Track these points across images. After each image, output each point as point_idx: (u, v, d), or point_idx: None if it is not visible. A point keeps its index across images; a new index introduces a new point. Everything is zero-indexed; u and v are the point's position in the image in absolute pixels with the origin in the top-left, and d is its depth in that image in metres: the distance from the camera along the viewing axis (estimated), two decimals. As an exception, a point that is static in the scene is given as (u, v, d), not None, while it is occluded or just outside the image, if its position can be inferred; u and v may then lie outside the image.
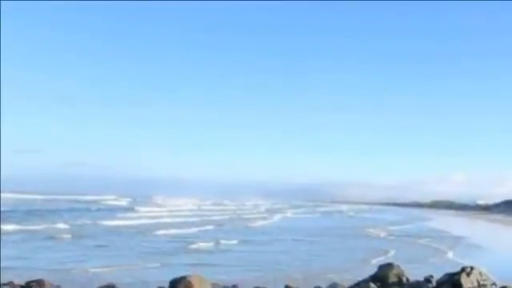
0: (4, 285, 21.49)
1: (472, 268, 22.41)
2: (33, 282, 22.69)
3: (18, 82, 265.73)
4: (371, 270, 25.49)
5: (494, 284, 22.72)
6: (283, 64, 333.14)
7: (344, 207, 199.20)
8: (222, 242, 46.76)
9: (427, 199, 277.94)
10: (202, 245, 44.08)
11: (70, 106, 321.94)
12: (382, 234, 64.53)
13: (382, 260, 32.33)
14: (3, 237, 42.21)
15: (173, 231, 56.57)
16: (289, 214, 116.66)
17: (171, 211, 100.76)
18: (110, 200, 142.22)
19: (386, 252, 41.72)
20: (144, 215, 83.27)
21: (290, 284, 22.59)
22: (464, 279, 21.41)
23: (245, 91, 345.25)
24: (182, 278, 21.21)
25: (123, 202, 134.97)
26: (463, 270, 22.17)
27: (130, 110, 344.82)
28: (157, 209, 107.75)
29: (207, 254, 38.67)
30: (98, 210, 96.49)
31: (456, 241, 56.13)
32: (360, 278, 24.36)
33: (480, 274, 22.57)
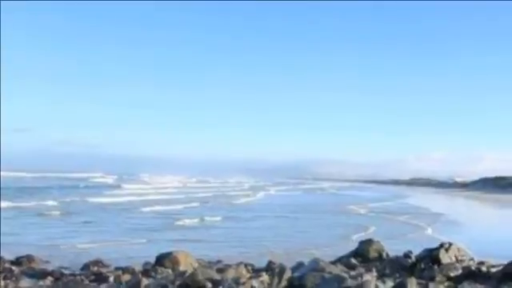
0: (-5, 260, 21.46)
1: (450, 244, 22.43)
2: (23, 257, 22.65)
3: (8, 63, 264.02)
4: (352, 246, 25.58)
5: (471, 259, 22.76)
6: (265, 44, 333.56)
7: (326, 184, 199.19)
8: (207, 218, 46.74)
9: (406, 177, 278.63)
10: (187, 221, 44.08)
11: (60, 86, 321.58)
12: (363, 211, 64.58)
13: (362, 236, 32.37)
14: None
15: (158, 208, 56.47)
16: (272, 192, 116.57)
17: (157, 188, 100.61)
18: (98, 178, 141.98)
19: (367, 228, 41.76)
20: (130, 192, 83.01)
21: (273, 259, 22.57)
22: (442, 255, 21.42)
23: (230, 72, 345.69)
24: (168, 254, 21.20)
25: (110, 180, 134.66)
26: (442, 245, 22.18)
27: (117, 90, 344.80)
28: (143, 186, 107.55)
29: (192, 230, 38.66)
30: (86, 187, 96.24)
31: (434, 217, 56.25)
32: (341, 254, 24.40)
33: (458, 249, 22.60)
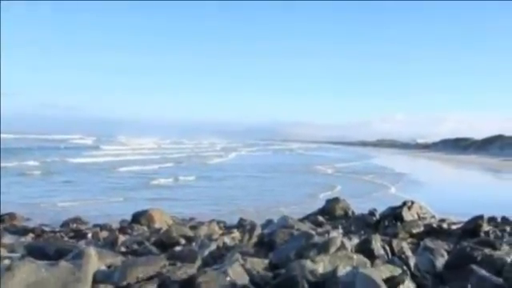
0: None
1: (413, 202, 22.61)
2: (5, 214, 22.55)
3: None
4: (319, 204, 25.67)
5: (433, 217, 22.98)
6: (237, 10, 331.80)
7: (294, 145, 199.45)
8: (181, 178, 46.78)
9: (372, 138, 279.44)
10: (162, 181, 44.09)
11: (42, 52, 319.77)
12: (330, 171, 64.81)
13: (329, 195, 32.46)
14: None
15: (135, 168, 56.42)
16: (243, 152, 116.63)
17: (133, 149, 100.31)
18: (77, 139, 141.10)
19: (333, 187, 41.93)
20: (108, 153, 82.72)
21: (244, 217, 22.67)
22: (405, 212, 21.58)
23: (204, 37, 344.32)
24: (144, 212, 21.22)
25: (89, 141, 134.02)
26: (405, 203, 22.35)
27: (97, 55, 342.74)
28: (120, 147, 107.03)
29: (167, 189, 38.65)
30: (66, 148, 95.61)
31: (398, 177, 56.58)
32: (309, 211, 24.52)
33: (420, 207, 22.79)
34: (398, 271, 10.34)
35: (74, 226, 20.81)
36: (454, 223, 21.71)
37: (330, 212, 23.98)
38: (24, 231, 18.98)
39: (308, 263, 9.35)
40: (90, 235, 17.75)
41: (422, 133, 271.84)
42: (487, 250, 11.60)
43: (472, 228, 19.33)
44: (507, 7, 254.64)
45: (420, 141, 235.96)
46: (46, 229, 20.22)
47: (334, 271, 8.91)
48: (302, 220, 19.98)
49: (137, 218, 20.98)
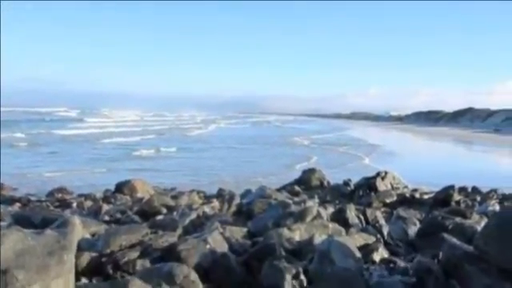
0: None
1: (386, 172, 22.74)
2: (-8, 185, 22.48)
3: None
4: (296, 175, 25.77)
5: (405, 187, 23.12)
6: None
7: (272, 118, 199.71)
8: (162, 149, 46.86)
9: (346, 111, 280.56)
10: (144, 152, 44.12)
11: (28, 26, 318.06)
12: (306, 142, 64.97)
13: (305, 165, 32.57)
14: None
15: (118, 140, 56.44)
16: (222, 125, 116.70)
17: (116, 122, 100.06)
18: (62, 112, 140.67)
19: (309, 158, 42.07)
20: (92, 125, 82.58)
21: (223, 187, 22.67)
22: (379, 182, 21.70)
23: (184, 15, 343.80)
24: (127, 182, 21.20)
25: (73, 114, 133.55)
26: (378, 174, 22.48)
27: (81, 29, 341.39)
28: (104, 120, 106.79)
29: (149, 160, 38.68)
30: (51, 120, 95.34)
31: (372, 148, 56.80)
32: (286, 182, 24.58)
33: (393, 177, 22.92)
34: (371, 239, 10.40)
35: (59, 195, 20.75)
36: (426, 193, 21.86)
37: (306, 182, 24.06)
38: (11, 201, 18.91)
39: (285, 231, 9.38)
40: (74, 205, 17.71)
41: (395, 106, 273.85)
42: (458, 219, 11.69)
43: (443, 197, 19.46)
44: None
45: (393, 113, 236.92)
46: (33, 198, 20.17)
47: (310, 239, 8.95)
48: (279, 190, 20.01)
49: (120, 187, 20.96)
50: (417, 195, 21.04)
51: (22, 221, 9.85)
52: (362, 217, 12.41)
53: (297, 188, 22.45)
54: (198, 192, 20.70)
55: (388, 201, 19.71)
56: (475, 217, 13.09)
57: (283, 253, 8.22)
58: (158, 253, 7.95)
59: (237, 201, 16.03)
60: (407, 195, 20.81)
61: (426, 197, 20.90)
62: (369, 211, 12.91)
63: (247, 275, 7.83)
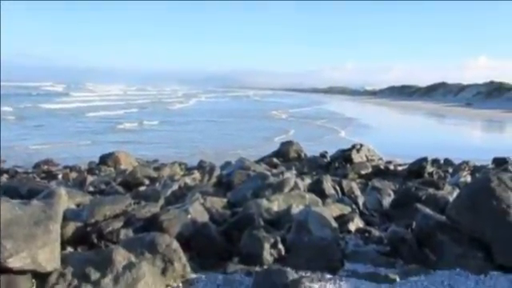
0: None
1: (361, 145, 22.81)
2: (-19, 157, 22.36)
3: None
4: (274, 147, 25.76)
5: (380, 159, 23.22)
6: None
7: (251, 92, 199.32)
8: (145, 122, 46.78)
9: (323, 85, 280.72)
10: (128, 125, 44.05)
11: (17, 5, 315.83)
12: (284, 116, 65.02)
13: (283, 138, 32.63)
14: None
15: (102, 113, 56.27)
16: (203, 99, 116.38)
17: (101, 96, 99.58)
18: (48, 86, 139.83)
19: (287, 131, 42.13)
20: (77, 99, 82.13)
21: (204, 159, 22.66)
22: (354, 155, 21.77)
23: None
24: (111, 154, 21.16)
25: (59, 88, 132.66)
26: (354, 146, 22.55)
27: (68, 7, 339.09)
28: (88, 94, 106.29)
29: (132, 133, 38.61)
30: (38, 95, 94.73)
31: (348, 121, 56.95)
32: (265, 154, 24.59)
33: (368, 150, 23.01)
34: (347, 209, 10.45)
35: (46, 167, 20.70)
36: (400, 165, 21.98)
37: (285, 154, 24.08)
38: (-1, 172, 18.85)
39: (264, 202, 9.40)
40: (60, 176, 17.68)
41: (371, 80, 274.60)
42: (431, 190, 11.75)
43: (417, 169, 19.58)
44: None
45: (368, 88, 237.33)
46: (20, 170, 20.10)
47: (288, 209, 8.97)
48: (258, 162, 20.03)
49: (104, 159, 20.92)
50: (391, 167, 21.14)
51: (10, 192, 9.82)
52: (338, 188, 12.45)
53: (275, 160, 22.48)
54: (180, 164, 20.69)
55: (363, 172, 19.80)
56: (447, 188, 13.17)
57: (262, 223, 8.24)
58: (141, 223, 7.96)
59: (217, 172, 16.04)
60: (382, 167, 20.89)
61: (399, 168, 21.01)
62: (345, 182, 12.95)
63: (227, 244, 7.85)
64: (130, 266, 5.96)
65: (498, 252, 7.16)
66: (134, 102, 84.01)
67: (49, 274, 5.65)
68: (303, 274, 6.75)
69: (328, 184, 12.11)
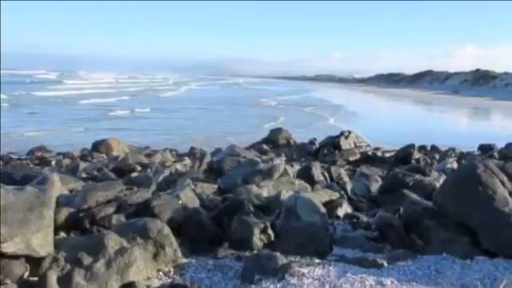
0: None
1: (350, 132, 22.82)
2: (-25, 144, 22.26)
3: None
4: (264, 134, 25.77)
5: (368, 145, 23.24)
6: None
7: (241, 80, 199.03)
8: (137, 110, 46.76)
9: (311, 73, 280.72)
10: (120, 112, 44.09)
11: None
12: (273, 103, 65.08)
13: (272, 125, 32.64)
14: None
15: (94, 101, 56.24)
16: (193, 87, 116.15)
17: (93, 84, 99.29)
18: (42, 74, 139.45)
19: (276, 118, 42.21)
20: (70, 87, 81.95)
21: (195, 145, 22.65)
22: (343, 141, 21.78)
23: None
24: (103, 141, 21.13)
25: (53, 76, 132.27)
26: (342, 133, 22.56)
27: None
28: (81, 82, 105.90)
29: (124, 120, 38.62)
30: (32, 82, 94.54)
31: (336, 109, 57.04)
32: (254, 141, 24.59)
33: (356, 136, 23.02)
34: (336, 195, 10.45)
35: (39, 153, 20.65)
36: (388, 151, 22.02)
37: (274, 141, 24.09)
38: (-7, 159, 18.80)
39: (254, 188, 9.40)
40: (53, 162, 17.64)
41: (358, 69, 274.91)
42: (418, 176, 11.78)
43: (404, 156, 19.62)
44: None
45: (356, 76, 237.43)
46: (14, 157, 20.06)
47: (278, 195, 8.98)
48: (248, 148, 20.03)
49: (96, 146, 20.88)
50: (379, 153, 21.17)
51: (4, 178, 9.79)
52: (326, 174, 12.46)
53: (265, 147, 22.49)
54: (171, 150, 20.72)
55: (351, 159, 19.83)
56: (434, 174, 13.21)
57: (252, 208, 8.24)
58: (133, 208, 7.95)
59: (208, 159, 16.04)
60: (370, 153, 20.93)
61: (387, 155, 21.05)
62: (333, 169, 12.96)
63: (218, 230, 7.85)
64: (122, 251, 5.96)
65: (484, 237, 7.19)
66: (125, 89, 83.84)
67: (42, 258, 5.65)
68: (292, 259, 6.76)
69: (317, 170, 12.12)
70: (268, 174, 11.01)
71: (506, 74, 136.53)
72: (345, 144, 21.78)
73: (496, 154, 20.42)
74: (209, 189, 10.11)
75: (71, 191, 8.92)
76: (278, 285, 5.89)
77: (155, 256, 6.37)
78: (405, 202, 8.40)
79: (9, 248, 5.36)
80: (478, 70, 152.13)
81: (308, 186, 10.61)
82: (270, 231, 7.47)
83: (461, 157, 20.70)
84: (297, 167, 13.07)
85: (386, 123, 43.03)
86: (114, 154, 19.62)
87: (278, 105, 62.85)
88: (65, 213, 7.67)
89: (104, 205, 7.98)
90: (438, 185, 10.06)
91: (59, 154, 20.54)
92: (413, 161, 19.09)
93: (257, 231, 7.40)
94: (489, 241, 7.16)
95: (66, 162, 17.52)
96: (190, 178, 10.84)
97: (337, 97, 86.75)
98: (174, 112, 47.28)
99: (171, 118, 41.83)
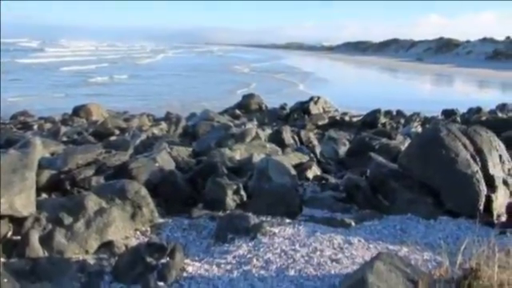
0: None
1: (319, 97, 22.87)
2: (-39, 110, 22.00)
3: None
4: (236, 99, 25.73)
5: (336, 110, 23.33)
6: None
7: (215, 48, 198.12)
8: (115, 76, 46.37)
9: (282, 41, 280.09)
10: (99, 79, 43.70)
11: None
12: (246, 70, 64.90)
13: (245, 91, 32.52)
14: None
15: (75, 68, 55.61)
16: (170, 54, 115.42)
17: (74, 51, 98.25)
18: (24, 42, 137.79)
19: (249, 85, 42.08)
20: (51, 55, 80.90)
21: (171, 111, 22.56)
22: (312, 106, 21.83)
23: None
24: (83, 106, 20.96)
25: (35, 44, 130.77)
26: (311, 99, 22.60)
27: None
28: (62, 49, 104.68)
29: (103, 87, 38.33)
30: (15, 50, 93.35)
31: (306, 75, 56.97)
32: (227, 106, 24.56)
33: (325, 102, 23.08)
34: (305, 158, 10.48)
35: (22, 118, 20.45)
36: (355, 116, 22.13)
37: (246, 106, 24.07)
38: (-23, 123, 18.59)
39: (227, 151, 9.40)
40: (35, 127, 17.51)
41: (327, 37, 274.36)
42: (384, 140, 11.85)
43: (370, 120, 19.72)
44: None
45: (325, 44, 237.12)
46: (-3, 121, 19.87)
47: (250, 158, 8.98)
48: (221, 113, 20.01)
49: (77, 111, 20.72)
50: (346, 118, 21.26)
51: (-13, 142, 9.72)
52: (296, 138, 12.49)
53: (237, 112, 22.48)
54: (148, 115, 20.60)
55: (320, 123, 19.89)
56: (399, 137, 13.30)
57: (225, 170, 8.24)
58: (112, 170, 7.92)
59: (183, 123, 16.01)
60: (338, 118, 21.02)
61: (354, 119, 21.15)
62: (303, 133, 12.99)
63: (192, 191, 7.85)
64: (101, 211, 5.95)
65: (447, 198, 7.24)
66: (104, 57, 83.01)
67: (25, 218, 5.63)
68: (264, 219, 6.77)
69: (287, 134, 12.14)
70: (240, 137, 11.01)
71: (468, 42, 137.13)
72: (314, 109, 21.83)
73: (458, 119, 20.60)
74: (184, 152, 10.09)
75: (52, 154, 8.86)
76: (250, 243, 5.90)
77: (133, 216, 6.36)
78: (371, 165, 8.43)
79: (-6, 208, 5.33)
80: (441, 39, 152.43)
81: (279, 149, 10.63)
82: (242, 192, 7.48)
83: (425, 121, 20.84)
84: (268, 131, 13.09)
85: (353, 89, 43.08)
86: (94, 118, 19.49)
87: (251, 72, 62.66)
88: (46, 175, 7.62)
89: (84, 167, 7.95)
90: (403, 148, 10.12)
91: (41, 118, 20.36)
92: (379, 125, 19.20)
93: (230, 192, 7.40)
94: (451, 201, 7.21)
95: (48, 126, 17.40)
96: (166, 142, 10.82)
97: (306, 64, 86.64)
98: (151, 78, 46.96)
99: (148, 84, 41.57)
